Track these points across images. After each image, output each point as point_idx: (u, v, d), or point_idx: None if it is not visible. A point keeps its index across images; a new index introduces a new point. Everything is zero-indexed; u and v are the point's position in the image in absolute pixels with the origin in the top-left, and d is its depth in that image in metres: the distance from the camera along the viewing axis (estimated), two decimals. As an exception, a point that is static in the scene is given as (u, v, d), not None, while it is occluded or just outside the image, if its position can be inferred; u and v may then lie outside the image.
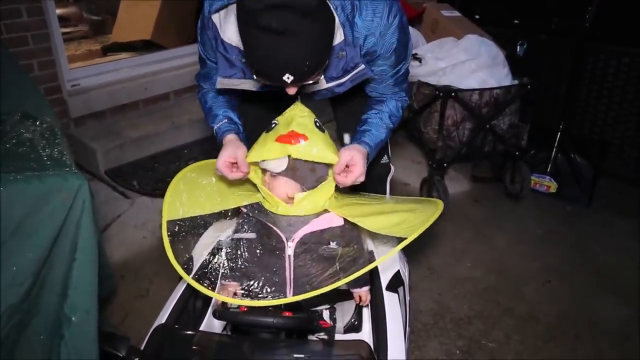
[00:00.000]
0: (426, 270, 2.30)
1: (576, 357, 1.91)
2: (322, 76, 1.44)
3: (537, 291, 2.24)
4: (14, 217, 1.10)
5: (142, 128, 3.31)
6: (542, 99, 2.93)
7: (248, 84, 1.47)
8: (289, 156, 1.36)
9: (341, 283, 1.28)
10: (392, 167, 1.93)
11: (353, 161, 1.43)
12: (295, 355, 1.16)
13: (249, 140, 1.55)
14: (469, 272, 2.34)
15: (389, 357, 1.28)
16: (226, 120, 1.58)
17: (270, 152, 1.36)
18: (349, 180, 1.43)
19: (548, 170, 2.95)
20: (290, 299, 1.31)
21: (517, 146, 2.83)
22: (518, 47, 2.99)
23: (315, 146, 1.36)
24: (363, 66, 1.41)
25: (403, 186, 2.99)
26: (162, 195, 1.49)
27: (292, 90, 1.33)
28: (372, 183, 1.71)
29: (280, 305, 1.30)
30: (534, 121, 2.87)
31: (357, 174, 1.43)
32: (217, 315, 1.27)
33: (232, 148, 1.47)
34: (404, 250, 1.63)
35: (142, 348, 1.26)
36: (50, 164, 1.21)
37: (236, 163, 1.46)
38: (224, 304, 1.35)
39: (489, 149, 2.80)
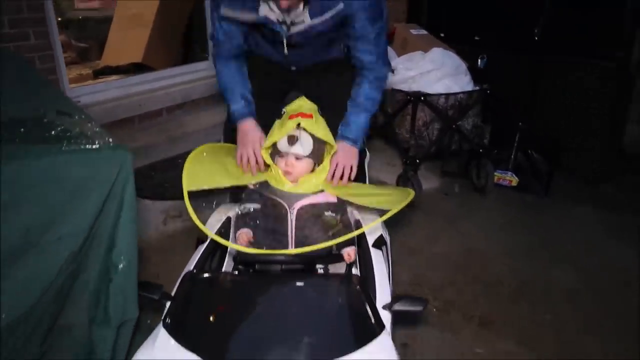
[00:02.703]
0: (405, 250, 2.61)
1: (535, 313, 2.22)
2: (307, 13, 1.75)
3: (501, 265, 2.56)
4: (76, 180, 1.38)
5: (139, 140, 3.58)
6: (503, 104, 3.29)
7: (249, 16, 1.78)
8: (305, 131, 1.69)
9: (335, 242, 1.58)
10: (368, 153, 2.27)
11: (340, 164, 1.82)
12: (297, 283, 1.47)
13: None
14: (442, 250, 2.66)
15: (377, 294, 1.58)
16: (243, 102, 1.90)
17: (287, 128, 1.68)
18: (345, 181, 1.83)
19: (510, 166, 3.31)
20: (293, 250, 1.61)
21: (481, 144, 3.19)
22: (479, 60, 3.36)
23: (322, 124, 1.69)
24: (342, 5, 1.73)
25: (380, 184, 3.31)
26: (162, 199, 1.79)
27: (284, 4, 1.64)
28: None
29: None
30: (496, 123, 3.25)
31: (348, 172, 1.83)
32: (237, 259, 1.56)
33: (251, 143, 1.83)
34: (386, 227, 1.97)
35: (172, 294, 1.54)
36: (99, 141, 1.49)
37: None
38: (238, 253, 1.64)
39: (455, 147, 3.15)
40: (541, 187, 3.26)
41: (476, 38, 3.69)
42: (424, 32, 3.64)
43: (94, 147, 1.43)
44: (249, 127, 1.93)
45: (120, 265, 1.49)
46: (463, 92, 2.99)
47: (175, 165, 3.50)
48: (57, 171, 1.33)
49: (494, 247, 2.72)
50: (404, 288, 2.31)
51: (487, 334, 2.09)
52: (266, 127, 1.90)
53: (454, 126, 3.03)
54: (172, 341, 1.36)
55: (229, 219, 1.91)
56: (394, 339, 1.38)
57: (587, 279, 2.44)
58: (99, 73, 4.77)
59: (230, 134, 2.12)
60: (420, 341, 2.04)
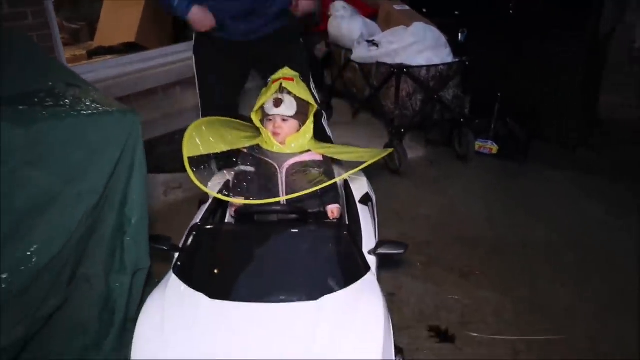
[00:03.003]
0: (391, 213, 2.79)
1: (511, 265, 2.41)
2: None
3: (481, 223, 2.76)
4: (93, 141, 1.54)
5: (136, 117, 3.72)
6: (481, 75, 3.46)
7: None
8: (289, 94, 1.85)
9: (321, 187, 1.75)
10: (324, 113, 2.51)
11: None
12: (291, 230, 1.65)
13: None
14: (426, 212, 2.85)
15: (363, 241, 1.76)
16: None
17: (272, 91, 1.85)
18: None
19: (490, 135, 3.50)
20: (284, 197, 1.79)
21: (462, 114, 3.37)
22: (460, 34, 3.52)
23: (303, 86, 1.86)
24: None
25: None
26: (162, 172, 1.94)
27: None
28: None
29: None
30: (476, 94, 3.42)
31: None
32: (236, 213, 1.74)
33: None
34: (372, 188, 2.16)
35: (180, 245, 1.72)
36: (110, 108, 1.65)
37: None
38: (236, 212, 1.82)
39: (438, 117, 3.33)
40: (520, 153, 3.45)
41: (456, 13, 3.83)
42: (407, 7, 3.79)
43: (108, 110, 1.59)
44: (197, 10, 2.36)
45: (133, 220, 1.67)
46: (443, 64, 3.16)
47: (173, 140, 3.65)
48: (77, 132, 1.50)
49: (475, 208, 2.91)
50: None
51: (466, 284, 2.29)
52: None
53: (435, 97, 3.20)
54: (182, 284, 1.55)
55: (227, 182, 2.08)
56: (381, 287, 1.55)
57: (561, 233, 2.64)
58: (92, 54, 4.87)
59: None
60: (405, 291, 2.23)
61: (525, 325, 2.02)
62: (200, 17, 2.38)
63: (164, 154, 3.47)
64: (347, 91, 3.78)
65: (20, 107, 1.48)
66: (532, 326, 2.01)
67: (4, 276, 1.38)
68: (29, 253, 1.42)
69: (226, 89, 2.68)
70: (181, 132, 1.99)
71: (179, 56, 4.27)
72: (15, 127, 1.38)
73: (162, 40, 4.66)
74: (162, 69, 4.16)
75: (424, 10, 3.90)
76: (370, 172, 2.20)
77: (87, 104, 1.64)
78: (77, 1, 6.05)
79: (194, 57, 2.69)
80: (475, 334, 1.97)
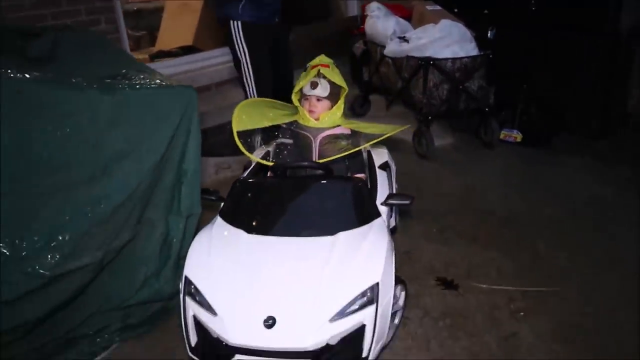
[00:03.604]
0: (415, 190, 3.08)
1: (520, 235, 2.66)
2: None
3: (497, 200, 3.02)
4: (160, 108, 1.95)
5: (192, 109, 4.19)
6: (509, 68, 3.72)
7: None
8: (324, 78, 2.21)
9: (347, 153, 2.12)
10: None
11: None
12: (317, 182, 2.01)
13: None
14: (447, 190, 3.14)
15: (377, 197, 2.10)
16: None
17: (310, 75, 2.22)
18: None
19: (515, 124, 3.75)
20: (318, 161, 2.15)
21: (486, 104, 3.64)
22: (489, 31, 3.79)
23: (336, 72, 2.22)
24: None
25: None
26: (214, 156, 2.35)
27: None
28: None
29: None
30: (503, 86, 3.69)
31: None
32: (272, 170, 2.11)
33: None
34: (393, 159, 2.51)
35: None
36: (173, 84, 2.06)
37: None
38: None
39: (464, 106, 3.61)
40: (542, 142, 3.67)
41: (485, 12, 4.10)
42: (439, 8, 4.10)
43: (171, 85, 2.00)
44: None
45: (189, 173, 2.07)
46: (468, 57, 3.44)
47: (224, 130, 4.08)
48: (147, 101, 1.92)
49: (493, 187, 3.18)
50: (409, 217, 2.81)
51: (475, 247, 2.57)
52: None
53: (460, 87, 3.49)
54: (225, 223, 1.94)
55: (267, 152, 2.46)
56: (396, 242, 1.88)
57: (567, 209, 2.86)
58: (154, 57, 5.40)
59: None
60: (419, 250, 2.54)
61: (523, 279, 2.29)
62: None
63: (216, 141, 3.90)
64: (382, 85, 4.11)
65: (107, 81, 1.91)
66: (529, 281, 2.27)
67: (88, 208, 1.80)
68: (109, 192, 1.84)
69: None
70: (231, 123, 2.38)
71: (230, 57, 4.72)
72: (104, 94, 1.81)
73: (216, 43, 5.13)
74: (215, 68, 4.63)
75: (456, 10, 4.18)
76: (398, 155, 2.54)
77: (155, 82, 2.06)
78: (139, 13, 6.65)
79: (244, 40, 3.18)
80: (476, 284, 2.26)
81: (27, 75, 1.71)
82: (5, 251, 1.65)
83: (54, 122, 1.73)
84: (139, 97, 1.92)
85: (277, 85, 3.32)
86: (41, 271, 1.69)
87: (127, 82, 2.02)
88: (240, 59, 3.22)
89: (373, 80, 4.23)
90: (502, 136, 3.75)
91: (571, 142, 3.73)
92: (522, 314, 2.08)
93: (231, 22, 3.16)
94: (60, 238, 1.75)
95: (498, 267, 2.38)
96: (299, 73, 2.45)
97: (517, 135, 3.74)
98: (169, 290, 2.11)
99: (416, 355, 1.90)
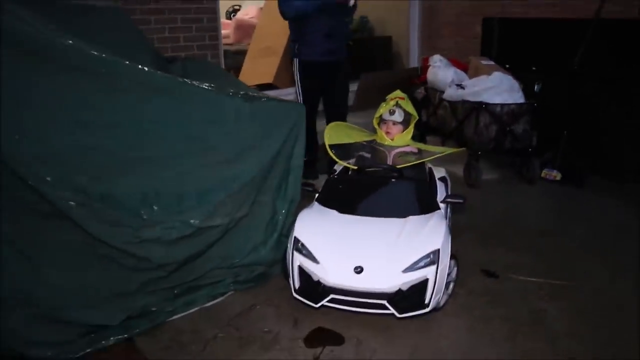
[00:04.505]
0: (467, 208, 3.65)
1: (549, 247, 3.17)
2: None
3: (535, 220, 3.55)
4: (277, 116, 2.63)
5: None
6: (547, 115, 4.29)
7: None
8: (400, 108, 2.86)
9: (413, 163, 2.74)
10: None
11: None
12: (391, 180, 2.63)
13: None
14: (491, 212, 3.69)
15: (437, 196, 2.70)
16: None
17: (389, 105, 2.87)
18: None
19: (555, 165, 4.29)
20: (391, 167, 2.78)
21: (529, 145, 4.21)
22: (535, 86, 4.39)
23: (409, 103, 2.88)
24: None
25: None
26: None
27: None
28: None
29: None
30: (547, 131, 4.26)
31: None
32: (361, 168, 2.74)
33: None
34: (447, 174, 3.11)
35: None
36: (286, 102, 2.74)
37: None
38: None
39: (509, 146, 4.18)
40: (578, 181, 4.19)
41: (533, 68, 4.72)
42: (492, 62, 4.73)
43: (286, 100, 2.69)
44: None
45: (294, 169, 2.73)
46: (515, 104, 4.04)
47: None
48: (271, 110, 2.61)
49: (532, 211, 3.72)
50: (461, 228, 3.36)
51: (514, 252, 3.06)
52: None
53: (507, 129, 4.07)
54: (321, 206, 2.57)
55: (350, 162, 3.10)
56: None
57: (594, 233, 3.34)
58: (237, 91, 6.21)
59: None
60: (467, 251, 3.06)
61: (551, 276, 2.79)
62: None
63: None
64: (438, 125, 4.73)
65: (242, 93, 2.60)
66: (556, 277, 2.78)
67: (225, 183, 2.47)
68: (239, 173, 2.51)
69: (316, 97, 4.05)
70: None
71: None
72: (245, 101, 2.50)
73: (289, 82, 5.91)
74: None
75: (507, 65, 4.82)
76: (453, 183, 3.21)
77: (272, 98, 2.76)
78: (225, 53, 7.58)
79: (299, 75, 3.92)
80: (512, 276, 2.79)
81: (204, 86, 2.41)
82: (172, 205, 2.32)
83: (211, 116, 2.43)
84: (265, 107, 2.61)
85: (330, 113, 4.04)
86: (191, 221, 2.35)
87: (255, 95, 2.72)
88: (297, 93, 4.00)
89: (430, 122, 4.86)
90: (543, 174, 4.29)
91: (602, 184, 4.22)
92: (548, 297, 2.59)
93: (293, 59, 3.96)
94: (206, 202, 2.42)
95: (531, 266, 2.90)
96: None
97: (556, 175, 4.27)
98: (271, 258, 2.73)
99: (463, 316, 2.43)
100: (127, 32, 2.84)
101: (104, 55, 2.11)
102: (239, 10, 8.47)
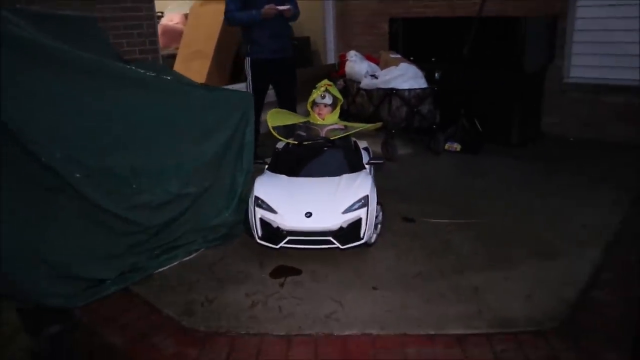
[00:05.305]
0: (386, 178, 4.39)
1: (455, 197, 3.96)
2: None
3: (442, 182, 4.35)
4: (227, 105, 3.22)
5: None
6: (451, 97, 5.14)
7: None
8: (329, 93, 3.52)
9: (344, 135, 3.42)
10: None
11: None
12: (325, 147, 3.30)
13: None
14: (406, 178, 4.45)
15: (363, 160, 3.40)
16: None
17: (320, 90, 3.53)
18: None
19: (456, 138, 5.14)
20: (325, 138, 3.44)
21: (434, 122, 5.03)
22: (436, 73, 5.22)
23: (335, 89, 3.55)
24: None
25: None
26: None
27: None
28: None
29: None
30: (447, 110, 5.10)
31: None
32: (300, 141, 3.39)
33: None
34: (370, 146, 3.81)
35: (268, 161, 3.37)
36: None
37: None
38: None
39: (417, 124, 4.98)
40: (475, 150, 5.06)
41: (432, 59, 5.57)
42: (399, 55, 5.53)
43: (235, 90, 3.29)
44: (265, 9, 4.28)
45: (247, 145, 3.32)
46: (420, 88, 4.85)
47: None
48: (226, 97, 3.20)
49: (440, 175, 4.53)
50: (385, 190, 4.08)
51: (426, 203, 3.83)
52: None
53: (415, 109, 4.87)
54: (272, 173, 3.19)
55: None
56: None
57: (490, 184, 4.20)
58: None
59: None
60: (389, 205, 3.79)
61: (456, 218, 3.57)
62: (267, 10, 4.25)
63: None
64: (357, 111, 5.47)
65: (203, 85, 3.16)
66: (460, 218, 3.56)
67: (194, 158, 3.03)
68: (205, 150, 3.09)
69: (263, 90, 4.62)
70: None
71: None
72: (206, 91, 3.08)
73: (223, 81, 6.46)
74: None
75: (411, 58, 5.64)
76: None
77: (227, 89, 3.34)
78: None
79: (250, 71, 4.49)
80: (426, 219, 3.54)
81: (167, 77, 2.96)
82: (155, 176, 2.86)
83: (180, 103, 2.99)
84: (222, 95, 3.21)
85: (281, 102, 4.65)
86: (170, 190, 2.90)
87: (212, 87, 3.29)
88: (247, 86, 4.57)
89: (350, 109, 5.58)
90: (446, 147, 5.13)
91: (495, 149, 5.13)
92: (454, 231, 3.36)
93: (245, 58, 4.54)
94: (181, 174, 2.97)
95: (441, 212, 3.65)
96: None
97: (457, 146, 5.13)
98: (233, 220, 3.31)
99: (390, 249, 3.14)
100: (97, 38, 3.31)
101: (94, 56, 2.62)
102: (162, 17, 8.86)
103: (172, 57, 7.21)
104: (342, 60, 6.01)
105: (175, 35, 7.80)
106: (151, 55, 5.14)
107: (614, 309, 2.50)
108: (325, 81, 3.71)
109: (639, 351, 2.08)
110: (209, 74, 6.52)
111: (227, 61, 6.70)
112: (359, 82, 5.29)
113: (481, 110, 5.25)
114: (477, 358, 2.21)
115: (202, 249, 3.20)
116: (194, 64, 6.73)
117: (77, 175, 2.55)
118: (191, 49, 6.87)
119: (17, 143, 2.40)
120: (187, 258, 3.11)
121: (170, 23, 8.28)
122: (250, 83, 4.54)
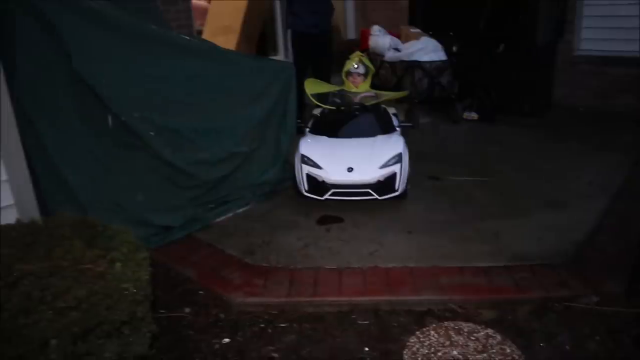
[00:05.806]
0: (411, 143, 4.76)
1: (472, 159, 4.34)
2: None
3: (459, 146, 4.72)
4: (273, 73, 3.59)
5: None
6: (469, 70, 5.48)
7: None
8: (362, 63, 3.89)
9: (377, 102, 3.80)
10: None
11: None
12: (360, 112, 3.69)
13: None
14: (429, 142, 4.82)
15: (394, 123, 3.78)
16: None
17: (353, 60, 3.90)
18: None
19: (473, 108, 5.49)
20: (360, 104, 3.82)
21: (453, 93, 5.39)
22: (454, 47, 5.56)
23: (367, 60, 3.92)
24: None
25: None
26: None
27: None
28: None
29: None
30: (466, 82, 5.45)
31: None
32: (334, 104, 3.77)
33: None
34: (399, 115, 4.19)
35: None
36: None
37: None
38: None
39: (437, 95, 5.35)
40: (491, 119, 5.42)
41: (450, 33, 5.89)
42: (419, 30, 5.87)
43: (281, 60, 3.66)
44: None
45: (290, 110, 3.70)
46: (440, 61, 5.20)
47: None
48: (272, 66, 3.58)
49: (458, 141, 4.89)
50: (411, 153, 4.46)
51: (448, 165, 4.21)
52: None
53: (436, 81, 5.23)
54: (314, 135, 3.59)
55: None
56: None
57: (504, 149, 4.58)
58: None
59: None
60: (416, 166, 4.18)
61: (475, 176, 3.95)
62: None
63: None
64: (380, 83, 5.82)
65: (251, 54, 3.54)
66: (478, 176, 3.94)
67: (245, 120, 3.42)
68: (254, 113, 3.47)
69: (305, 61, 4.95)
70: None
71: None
72: (254, 61, 3.46)
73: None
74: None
75: (430, 32, 5.97)
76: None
77: (271, 59, 3.72)
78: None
79: (291, 42, 4.95)
80: (449, 177, 3.93)
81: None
82: (213, 135, 3.25)
83: (232, 71, 3.37)
84: (268, 64, 3.58)
85: (316, 75, 4.99)
86: (225, 148, 3.30)
87: (257, 55, 3.66)
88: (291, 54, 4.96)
89: (374, 81, 5.92)
90: (464, 116, 5.49)
91: (509, 119, 5.48)
92: (475, 187, 3.75)
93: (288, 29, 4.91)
94: (234, 134, 3.37)
95: (461, 172, 4.04)
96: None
97: (474, 116, 5.49)
98: (279, 177, 3.72)
99: (420, 202, 3.53)
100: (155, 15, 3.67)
101: (159, 29, 3.00)
102: (186, -6, 9.16)
103: (199, 33, 7.55)
104: (364, 35, 6.35)
105: (199, 12, 8.12)
106: (186, 29, 5.49)
107: (616, 248, 2.89)
108: (358, 52, 4.07)
109: (637, 276, 2.49)
110: (237, 48, 6.85)
111: (254, 35, 7.04)
112: (383, 55, 5.64)
113: (496, 81, 5.59)
114: (501, 283, 2.62)
115: (251, 204, 3.61)
116: (220, 39, 7.02)
117: (151, 133, 2.94)
118: (218, 24, 7.19)
119: (103, 105, 2.80)
120: (240, 210, 3.52)
121: (194, 0, 8.59)
122: (293, 54, 5.00)
